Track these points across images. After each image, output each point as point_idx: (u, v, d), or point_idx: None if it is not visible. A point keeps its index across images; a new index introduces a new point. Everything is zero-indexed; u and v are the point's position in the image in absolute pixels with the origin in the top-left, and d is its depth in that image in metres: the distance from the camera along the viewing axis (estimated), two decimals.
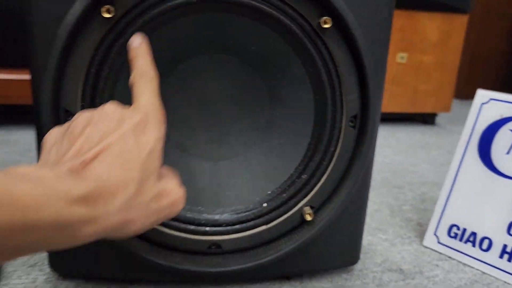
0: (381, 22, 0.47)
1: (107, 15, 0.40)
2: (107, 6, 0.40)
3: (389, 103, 1.44)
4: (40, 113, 0.42)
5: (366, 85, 0.46)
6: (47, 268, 0.53)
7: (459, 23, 1.39)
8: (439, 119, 1.64)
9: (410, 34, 1.37)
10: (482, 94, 0.62)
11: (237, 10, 0.44)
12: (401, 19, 1.34)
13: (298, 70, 0.47)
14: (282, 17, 0.44)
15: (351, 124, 0.48)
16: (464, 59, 2.01)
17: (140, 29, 0.42)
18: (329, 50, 0.45)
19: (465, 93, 2.17)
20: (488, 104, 0.61)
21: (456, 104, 1.97)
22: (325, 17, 0.44)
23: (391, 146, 1.25)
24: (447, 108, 1.52)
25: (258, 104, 0.51)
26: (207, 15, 0.45)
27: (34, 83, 0.43)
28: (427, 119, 1.57)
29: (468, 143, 0.63)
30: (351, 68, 0.46)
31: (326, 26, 0.43)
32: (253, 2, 0.42)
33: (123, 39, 0.42)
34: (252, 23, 0.45)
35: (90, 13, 0.40)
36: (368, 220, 0.73)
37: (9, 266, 0.54)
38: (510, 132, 0.60)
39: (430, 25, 1.37)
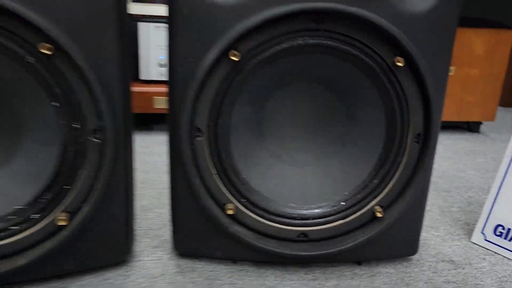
0: (444, 55, 0.58)
1: (234, 58, 0.54)
2: (234, 52, 0.53)
3: None
4: (179, 130, 0.56)
5: (429, 110, 0.58)
6: (168, 249, 0.68)
7: (505, 38, 1.47)
8: (483, 127, 1.71)
9: (457, 48, 1.46)
10: None
11: (329, 52, 0.56)
12: None
13: (373, 97, 0.60)
14: (363, 56, 0.56)
15: (415, 140, 0.60)
16: (508, 68, 2.05)
17: (253, 68, 0.55)
18: (400, 83, 0.57)
19: (508, 101, 2.22)
20: None
21: (500, 111, 2.02)
22: (398, 57, 0.55)
23: (438, 153, 1.34)
24: (491, 117, 1.59)
25: (338, 123, 0.63)
26: (302, 56, 0.57)
27: (173, 108, 0.57)
28: (472, 127, 1.65)
29: None
30: (417, 96, 0.58)
31: (399, 64, 0.55)
32: (342, 46, 0.55)
33: (241, 76, 0.56)
34: (338, 60, 0.58)
35: (222, 56, 0.54)
36: None
37: (137, 247, 0.68)
38: None
39: (477, 40, 1.46)
